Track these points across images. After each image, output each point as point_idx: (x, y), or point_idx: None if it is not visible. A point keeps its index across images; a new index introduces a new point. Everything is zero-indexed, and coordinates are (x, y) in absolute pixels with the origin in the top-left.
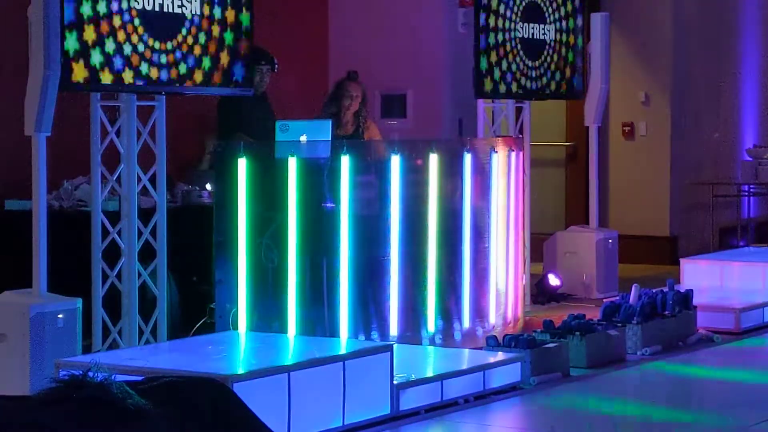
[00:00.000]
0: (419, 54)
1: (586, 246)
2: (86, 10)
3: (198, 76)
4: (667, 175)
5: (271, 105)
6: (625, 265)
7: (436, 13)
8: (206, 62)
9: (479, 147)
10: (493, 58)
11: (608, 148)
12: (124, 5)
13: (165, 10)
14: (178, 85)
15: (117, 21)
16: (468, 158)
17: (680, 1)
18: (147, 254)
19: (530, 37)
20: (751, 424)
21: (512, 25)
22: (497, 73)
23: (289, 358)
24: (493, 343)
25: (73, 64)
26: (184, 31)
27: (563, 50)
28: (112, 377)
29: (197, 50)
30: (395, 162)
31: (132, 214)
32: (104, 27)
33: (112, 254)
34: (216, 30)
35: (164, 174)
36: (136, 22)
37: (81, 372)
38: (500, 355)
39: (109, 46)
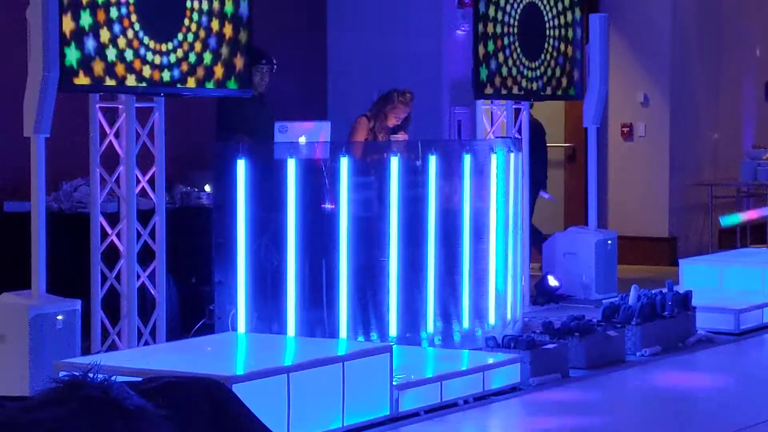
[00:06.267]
0: (418, 54)
1: (585, 247)
2: (85, 12)
3: (197, 77)
4: (666, 175)
5: (271, 106)
6: (624, 266)
7: (435, 14)
8: (206, 62)
9: (478, 148)
10: (492, 59)
11: (607, 149)
12: (123, 10)
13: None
14: (177, 86)
15: (116, 24)
16: (467, 159)
17: (680, 1)
18: (146, 256)
19: (529, 38)
20: (751, 424)
21: (511, 27)
22: (496, 75)
23: (289, 359)
24: (492, 344)
25: (72, 67)
26: (183, 30)
27: (562, 51)
28: (112, 378)
29: (196, 50)
30: (394, 163)
31: (131, 215)
32: (103, 30)
33: (112, 256)
34: (215, 28)
35: (163, 175)
36: (135, 24)
37: (81, 373)
38: (500, 356)
39: (109, 47)
